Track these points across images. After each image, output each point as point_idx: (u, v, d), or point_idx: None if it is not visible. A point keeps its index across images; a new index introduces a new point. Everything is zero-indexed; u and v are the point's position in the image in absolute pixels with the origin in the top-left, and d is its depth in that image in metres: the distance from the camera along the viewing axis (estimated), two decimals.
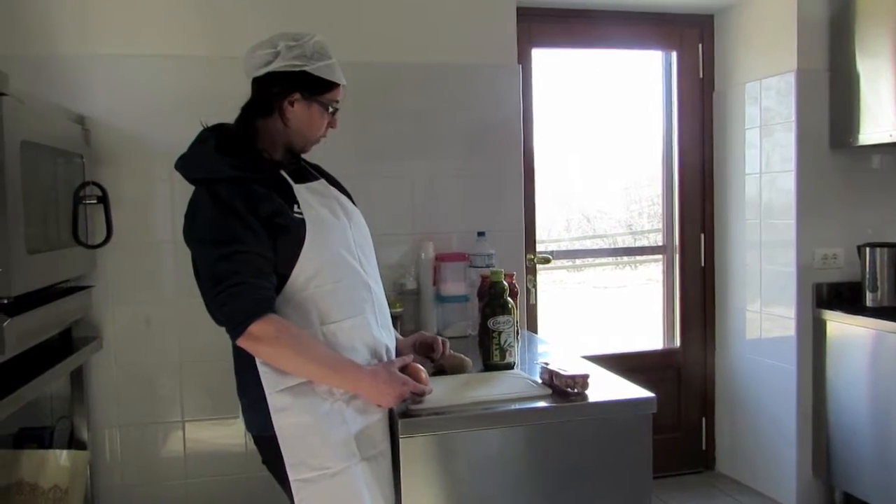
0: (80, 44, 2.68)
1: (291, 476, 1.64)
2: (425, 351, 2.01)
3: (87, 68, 2.67)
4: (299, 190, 1.74)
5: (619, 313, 4.09)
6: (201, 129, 1.77)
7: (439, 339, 2.01)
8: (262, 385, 1.66)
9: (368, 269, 1.83)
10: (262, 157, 1.74)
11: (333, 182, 1.94)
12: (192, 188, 1.73)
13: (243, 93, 1.80)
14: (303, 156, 1.88)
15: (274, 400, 1.64)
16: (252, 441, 1.79)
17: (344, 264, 1.73)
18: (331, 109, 1.79)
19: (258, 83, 1.76)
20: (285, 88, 1.74)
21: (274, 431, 1.65)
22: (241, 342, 1.60)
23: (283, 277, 1.66)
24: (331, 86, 1.78)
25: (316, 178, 1.86)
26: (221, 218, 1.60)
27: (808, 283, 3.22)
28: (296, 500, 1.66)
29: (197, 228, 1.65)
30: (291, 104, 1.75)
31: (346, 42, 2.62)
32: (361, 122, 2.85)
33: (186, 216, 1.68)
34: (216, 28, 2.75)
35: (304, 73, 1.73)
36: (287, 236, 1.65)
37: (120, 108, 2.70)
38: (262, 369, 1.64)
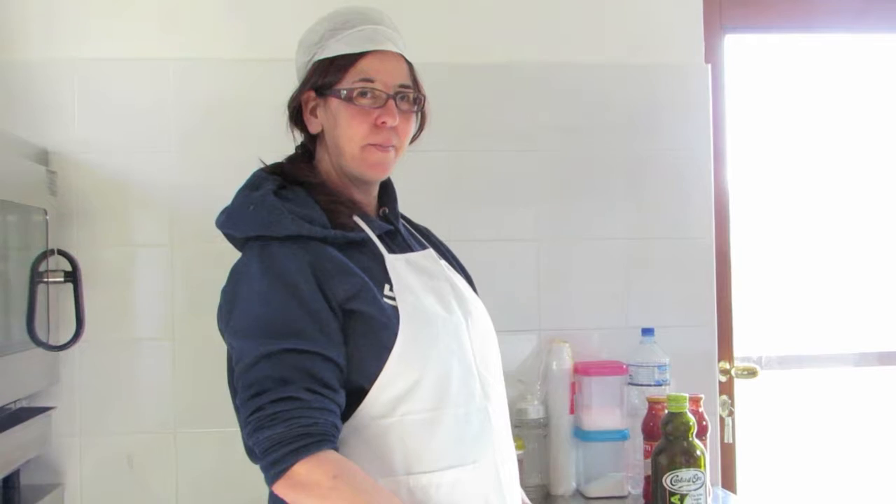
0: (48, 45, 2.28)
1: None
2: None
3: (56, 79, 2.29)
4: (394, 262, 1.54)
5: (882, 460, 3.18)
6: (255, 170, 1.61)
7: None
8: None
9: (491, 391, 1.58)
10: (338, 203, 1.54)
11: (445, 255, 1.71)
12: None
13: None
14: (407, 217, 1.70)
15: None
16: None
17: (454, 382, 1.52)
18: (359, 93, 1.51)
19: None
20: (297, 95, 1.57)
21: None
22: (280, 489, 1.37)
23: (359, 394, 1.44)
24: (345, 62, 1.52)
25: (423, 247, 1.65)
26: (273, 296, 1.40)
27: None
28: None
29: (237, 310, 1.46)
30: (314, 114, 1.56)
31: (444, 38, 2.42)
32: (458, 154, 2.38)
33: (224, 291, 1.49)
34: (254, 18, 2.31)
35: (314, 64, 1.55)
36: (369, 331, 1.44)
37: (101, 136, 2.27)
38: None
